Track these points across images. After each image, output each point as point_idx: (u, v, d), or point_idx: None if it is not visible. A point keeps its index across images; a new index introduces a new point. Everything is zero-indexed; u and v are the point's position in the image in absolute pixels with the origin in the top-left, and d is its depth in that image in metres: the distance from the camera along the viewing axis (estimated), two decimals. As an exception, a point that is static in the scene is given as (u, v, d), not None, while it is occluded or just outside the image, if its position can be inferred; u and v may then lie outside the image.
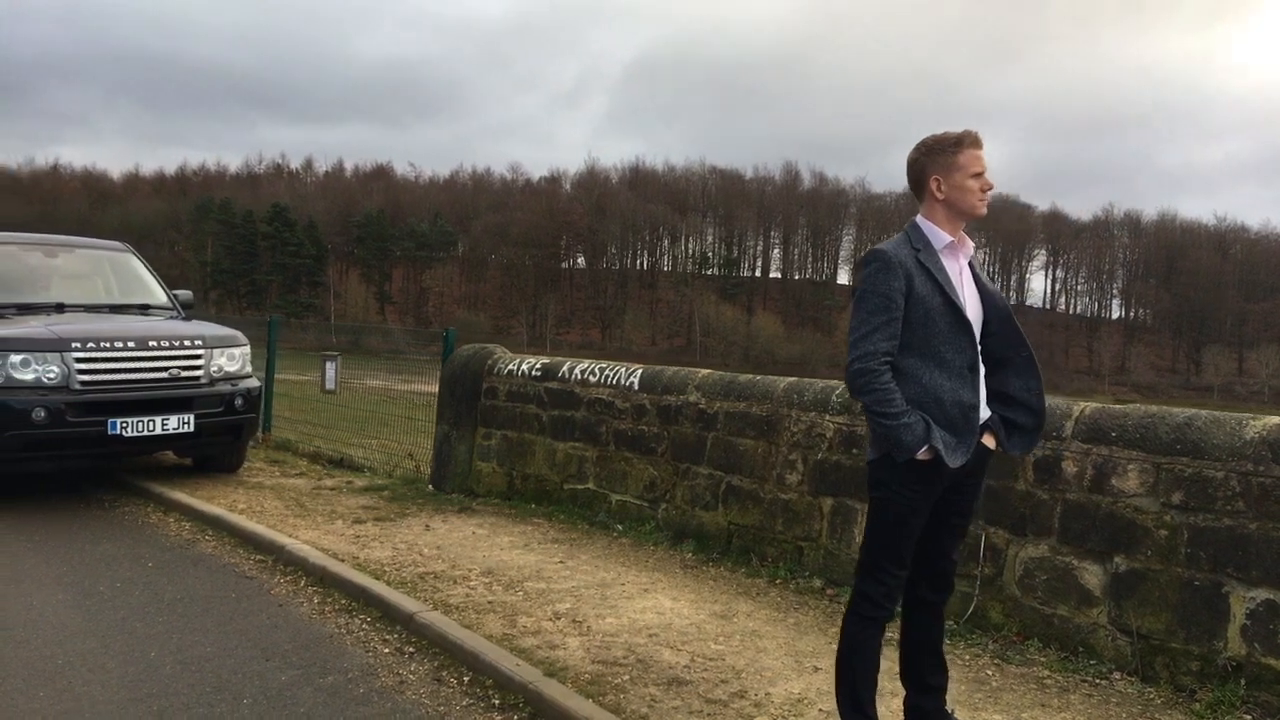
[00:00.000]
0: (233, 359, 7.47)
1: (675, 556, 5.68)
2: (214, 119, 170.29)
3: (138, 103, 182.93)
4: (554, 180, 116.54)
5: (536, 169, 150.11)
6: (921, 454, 2.86)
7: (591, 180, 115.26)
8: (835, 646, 4.18)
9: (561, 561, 5.50)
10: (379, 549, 5.69)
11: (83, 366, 6.63)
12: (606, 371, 6.75)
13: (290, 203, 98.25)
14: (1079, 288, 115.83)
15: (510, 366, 7.44)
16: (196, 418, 7.05)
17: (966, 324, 2.91)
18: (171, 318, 8.10)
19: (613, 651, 4.12)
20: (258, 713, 3.56)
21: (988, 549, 4.46)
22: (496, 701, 3.73)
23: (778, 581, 5.21)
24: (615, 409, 6.55)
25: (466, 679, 3.93)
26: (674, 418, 6.14)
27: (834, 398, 5.27)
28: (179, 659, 4.03)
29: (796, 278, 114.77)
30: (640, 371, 6.58)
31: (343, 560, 5.35)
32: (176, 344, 7.13)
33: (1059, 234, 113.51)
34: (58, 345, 6.61)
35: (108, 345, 6.78)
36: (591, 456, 6.68)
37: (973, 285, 3.04)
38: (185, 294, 8.65)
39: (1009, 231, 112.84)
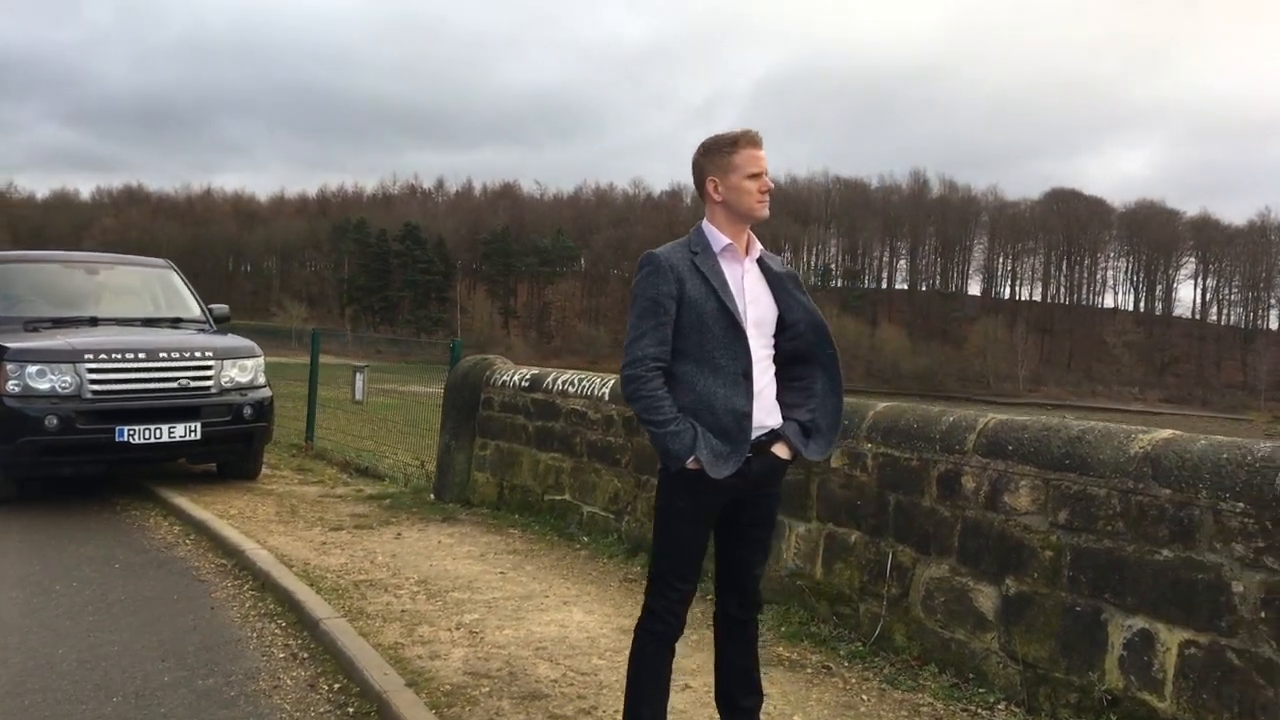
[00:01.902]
0: (244, 370, 7.78)
1: (621, 570, 5.59)
2: (366, 146, 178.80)
3: (297, 132, 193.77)
4: (675, 194, 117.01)
5: (659, 184, 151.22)
6: (690, 463, 2.74)
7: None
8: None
9: (503, 572, 5.50)
10: (336, 556, 5.81)
11: (94, 377, 7.03)
12: (584, 382, 6.73)
13: (421, 221, 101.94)
14: (1232, 297, 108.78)
15: (504, 377, 7.50)
16: (204, 426, 7.37)
17: (740, 329, 2.78)
18: (202, 330, 8.50)
19: (491, 664, 4.09)
20: (121, 713, 3.68)
21: (894, 568, 4.23)
22: (351, 710, 3.75)
23: (708, 598, 5.05)
24: (588, 420, 6.52)
25: (337, 687, 3.96)
26: (637, 429, 6.05)
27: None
28: (81, 658, 4.21)
29: (924, 289, 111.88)
30: (613, 381, 6.52)
31: (291, 566, 5.48)
32: (187, 355, 7.47)
33: (1210, 241, 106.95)
34: (71, 356, 7.03)
35: (119, 356, 7.17)
36: (567, 467, 6.67)
37: (762, 288, 2.90)
38: (221, 308, 9.07)
39: (1155, 239, 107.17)
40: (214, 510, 6.91)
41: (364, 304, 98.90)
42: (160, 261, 9.45)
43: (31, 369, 6.91)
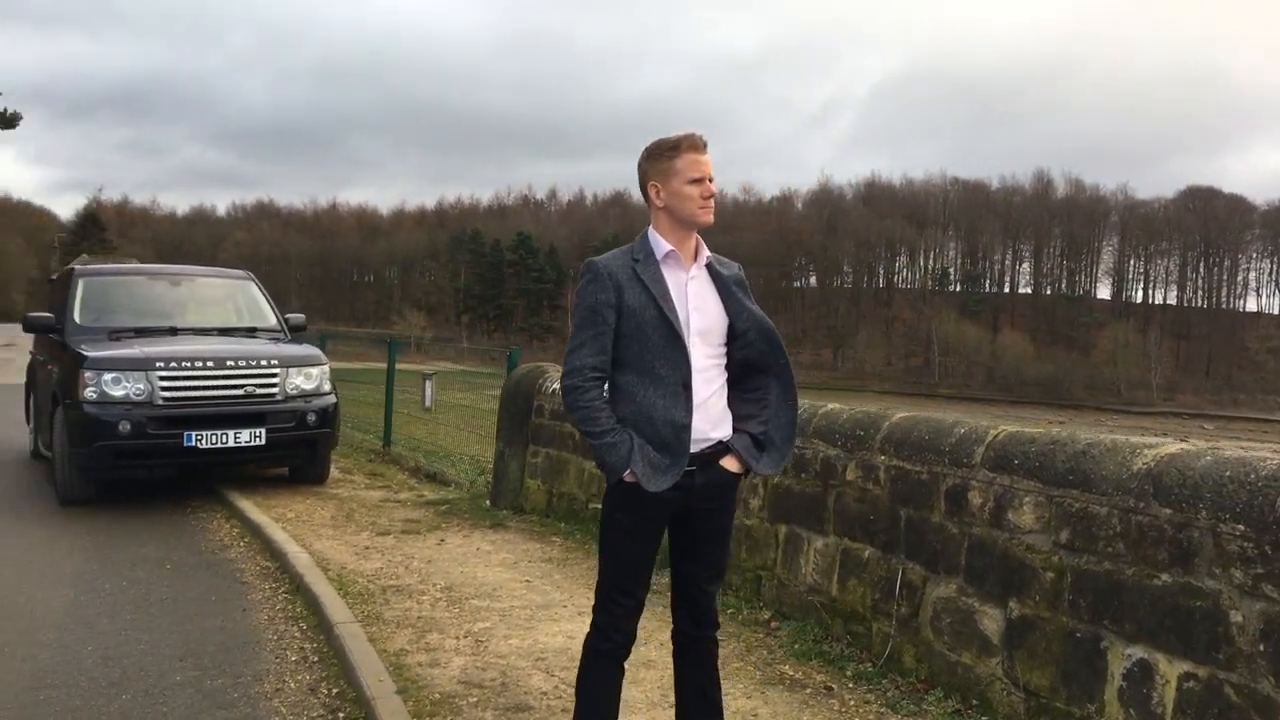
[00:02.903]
0: (309, 378, 8.02)
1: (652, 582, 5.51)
2: (485, 159, 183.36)
3: (420, 147, 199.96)
4: (785, 199, 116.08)
5: (769, 190, 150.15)
6: (626, 475, 2.67)
7: (823, 198, 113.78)
8: (739, 685, 3.98)
9: (529, 581, 5.50)
10: (374, 561, 5.91)
11: (165, 384, 7.36)
12: (625, 390, 6.67)
13: (534, 231, 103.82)
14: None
15: (555, 385, 7.52)
16: (269, 432, 7.63)
17: (679, 338, 2.69)
18: (276, 339, 8.81)
19: (486, 674, 4.08)
20: (125, 710, 3.81)
21: (904, 586, 4.04)
22: (342, 716, 3.79)
23: (729, 611, 4.94)
24: (627, 428, 6.46)
25: (335, 692, 4.02)
26: (671, 438, 5.97)
27: (794, 418, 4.94)
28: (106, 655, 4.38)
29: (1048, 292, 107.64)
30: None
31: (327, 570, 5.60)
32: (253, 363, 7.75)
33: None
34: (144, 364, 7.38)
35: (188, 365, 7.48)
36: (608, 476, 6.62)
37: (710, 295, 2.80)
38: (297, 317, 9.39)
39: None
40: (273, 513, 7.13)
41: (479, 312, 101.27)
42: (240, 273, 9.84)
43: (107, 376, 7.27)
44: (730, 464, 2.78)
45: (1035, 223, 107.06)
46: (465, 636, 4.53)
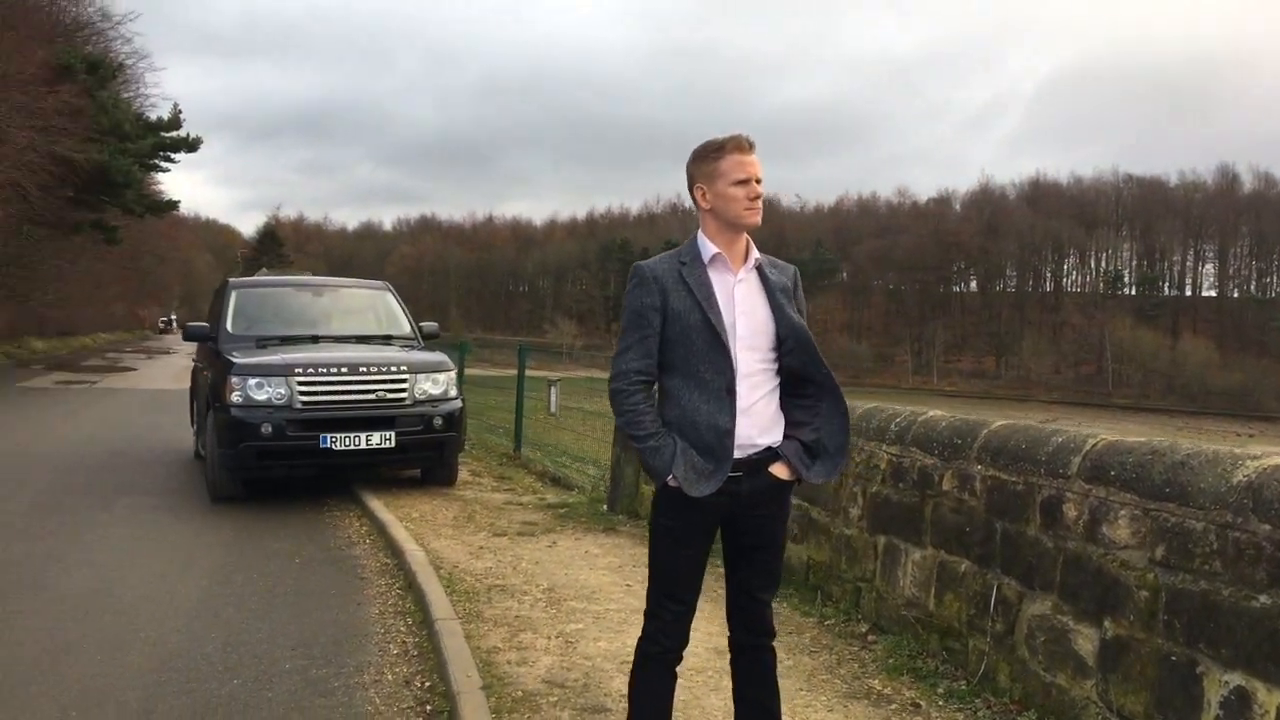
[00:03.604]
0: (436, 383, 8.33)
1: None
2: (636, 170, 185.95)
3: (574, 160, 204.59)
4: (942, 201, 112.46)
5: (926, 191, 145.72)
6: (670, 480, 2.66)
7: (984, 198, 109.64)
8: (821, 698, 3.91)
9: (629, 585, 5.54)
10: (485, 560, 6.09)
11: (303, 389, 7.80)
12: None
13: (681, 239, 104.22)
14: None
15: (668, 391, 7.54)
16: (398, 435, 7.97)
17: (723, 343, 2.66)
18: (409, 347, 9.19)
19: (571, 674, 4.14)
20: (234, 693, 4.05)
21: (999, 602, 3.85)
22: (429, 709, 3.92)
23: (827, 622, 4.85)
24: (735, 434, 6.42)
25: (427, 685, 4.16)
26: (776, 444, 5.90)
27: (893, 425, 4.81)
28: (227, 642, 4.67)
29: (1235, 295, 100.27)
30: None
31: (440, 568, 5.81)
32: (384, 370, 8.12)
33: None
34: (284, 370, 7.84)
35: (324, 371, 7.91)
36: (718, 482, 6.59)
37: (757, 300, 2.76)
38: (430, 325, 9.78)
39: None
40: (400, 512, 7.44)
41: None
42: (378, 283, 10.33)
43: (251, 382, 7.77)
44: (779, 470, 2.74)
45: (1219, 221, 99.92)
46: (557, 637, 4.61)
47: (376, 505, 7.71)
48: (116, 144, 31.45)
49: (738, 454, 2.69)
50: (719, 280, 2.74)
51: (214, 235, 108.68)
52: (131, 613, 5.08)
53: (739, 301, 2.73)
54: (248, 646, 4.61)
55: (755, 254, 2.81)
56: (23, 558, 6.14)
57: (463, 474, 9.34)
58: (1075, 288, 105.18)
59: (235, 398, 7.73)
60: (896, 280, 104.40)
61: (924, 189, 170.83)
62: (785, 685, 3.94)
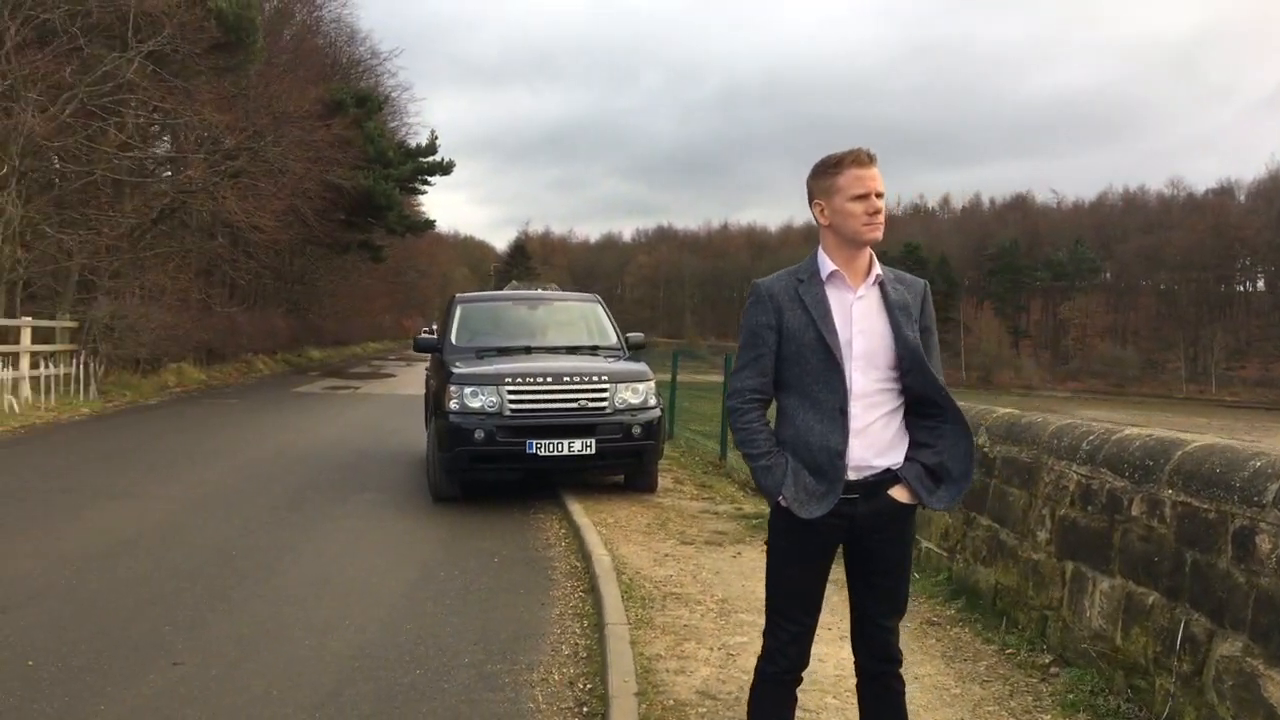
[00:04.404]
0: (636, 393, 8.55)
1: (930, 611, 5.25)
2: (881, 172, 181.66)
3: (812, 164, 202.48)
4: (1223, 192, 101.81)
5: (1204, 182, 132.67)
6: (781, 500, 2.63)
7: (1274, 188, 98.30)
8: None
9: (806, 599, 5.45)
10: (667, 568, 6.20)
11: (512, 397, 8.24)
12: (928, 409, 6.38)
13: (923, 241, 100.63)
14: None
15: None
16: (598, 442, 8.26)
17: (836, 361, 2.60)
18: (615, 357, 9.49)
19: (726, 686, 4.15)
20: (415, 683, 4.36)
21: (1186, 640, 3.50)
22: (585, 710, 4.06)
23: (1007, 651, 4.58)
24: (927, 449, 6.18)
25: (589, 688, 4.30)
26: (966, 460, 5.63)
27: (1084, 444, 4.47)
28: (419, 633, 5.03)
29: None
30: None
31: (622, 573, 5.97)
32: (586, 379, 8.43)
33: None
34: (496, 380, 8.32)
35: (531, 380, 8.32)
36: (909, 498, 6.36)
37: (877, 318, 2.67)
38: (636, 336, 10.05)
39: None
40: (596, 517, 7.70)
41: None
42: (590, 296, 10.72)
43: (467, 390, 8.29)
44: (899, 494, 2.64)
45: None
46: (720, 649, 4.63)
47: (576, 509, 8.01)
48: (380, 170, 34.44)
49: (853, 475, 2.62)
50: (837, 297, 2.68)
51: (471, 251, 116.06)
52: (343, 601, 5.58)
53: (857, 319, 2.66)
54: (435, 639, 4.95)
55: (877, 270, 2.72)
56: (265, 547, 6.87)
57: (665, 481, 9.51)
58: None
59: (453, 405, 8.28)
60: (1167, 279, 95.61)
61: (1201, 180, 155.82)
62: (946, 714, 3.79)
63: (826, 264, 2.71)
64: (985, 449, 5.39)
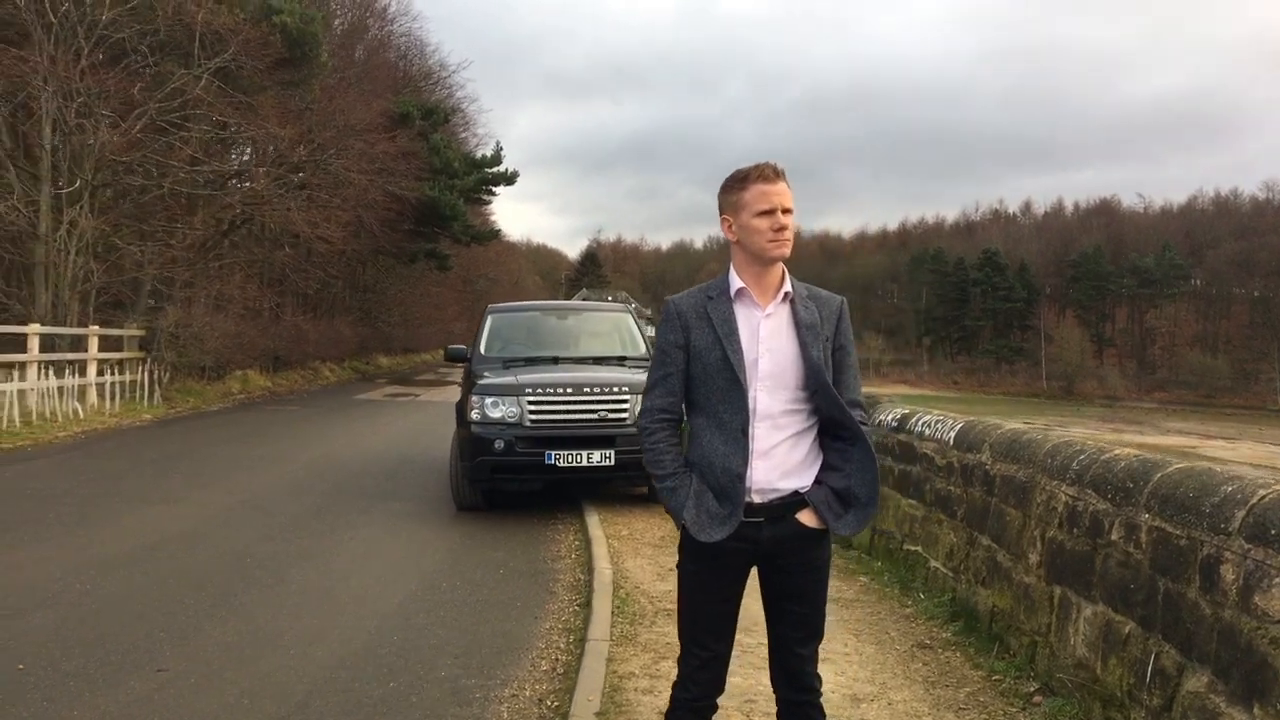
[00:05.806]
0: (657, 404, 8.47)
1: (925, 633, 5.08)
2: (960, 178, 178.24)
3: (896, 171, 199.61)
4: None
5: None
6: (684, 522, 2.56)
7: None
8: None
9: (800, 618, 5.32)
10: (669, 583, 6.10)
11: (532, 408, 8.25)
12: (938, 424, 6.21)
13: (1003, 247, 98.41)
14: None
15: (881, 417, 7.20)
16: (617, 454, 8.21)
17: (738, 381, 2.52)
18: (643, 368, 9.43)
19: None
20: (385, 696, 4.35)
21: (1156, 673, 3.31)
22: (547, 728, 4.01)
23: (994, 677, 4.40)
24: (935, 465, 6.01)
25: (556, 705, 4.25)
26: (970, 478, 5.45)
27: (1075, 463, 4.28)
28: (403, 645, 5.04)
29: None
30: (961, 425, 5.93)
31: (621, 588, 5.92)
32: (606, 390, 8.39)
33: None
34: (516, 390, 8.34)
35: (551, 391, 8.32)
36: (919, 516, 6.19)
37: (785, 336, 2.58)
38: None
39: None
40: (610, 529, 7.65)
41: (941, 334, 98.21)
42: (619, 306, 10.70)
43: (489, 401, 8.33)
44: (805, 518, 2.55)
45: None
46: (695, 668, 4.53)
47: (593, 521, 7.98)
48: (446, 181, 34.98)
49: (757, 499, 2.54)
50: (745, 315, 2.60)
51: (544, 259, 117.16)
52: (340, 611, 5.63)
53: (765, 338, 2.58)
54: (417, 651, 4.95)
55: (787, 287, 2.63)
56: (279, 554, 6.98)
57: (693, 493, 9.41)
58: None
59: (475, 415, 8.32)
60: (1262, 286, 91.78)
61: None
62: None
63: (735, 281, 2.64)
64: (988, 467, 5.22)
